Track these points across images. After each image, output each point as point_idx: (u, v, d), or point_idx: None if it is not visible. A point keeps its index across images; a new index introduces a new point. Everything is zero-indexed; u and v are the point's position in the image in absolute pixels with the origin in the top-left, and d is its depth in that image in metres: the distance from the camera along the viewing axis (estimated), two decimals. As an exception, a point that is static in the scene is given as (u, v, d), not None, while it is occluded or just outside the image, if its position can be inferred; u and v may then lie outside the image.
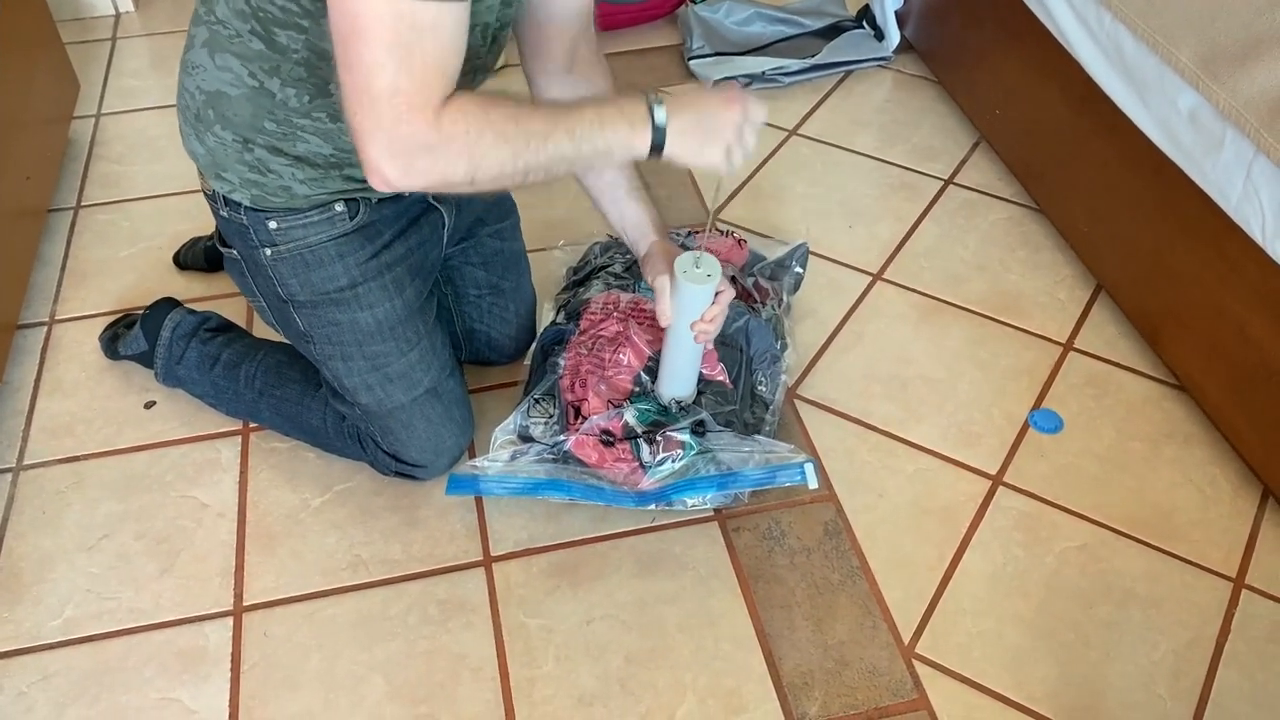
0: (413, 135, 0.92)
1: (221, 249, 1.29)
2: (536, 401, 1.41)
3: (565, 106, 1.05)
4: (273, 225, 1.19)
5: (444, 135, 0.93)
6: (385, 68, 0.88)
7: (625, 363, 1.40)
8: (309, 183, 1.16)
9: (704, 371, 1.41)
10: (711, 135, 1.07)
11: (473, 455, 1.43)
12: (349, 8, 0.87)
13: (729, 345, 1.45)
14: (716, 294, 1.27)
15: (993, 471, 1.45)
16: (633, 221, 1.33)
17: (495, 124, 0.96)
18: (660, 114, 1.03)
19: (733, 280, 1.52)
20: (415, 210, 1.30)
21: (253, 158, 1.14)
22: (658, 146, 1.04)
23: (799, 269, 1.63)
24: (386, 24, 0.87)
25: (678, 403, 1.39)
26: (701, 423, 1.35)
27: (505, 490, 1.38)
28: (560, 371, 1.41)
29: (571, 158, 1.02)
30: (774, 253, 1.64)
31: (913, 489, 1.43)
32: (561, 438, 1.36)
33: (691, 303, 1.26)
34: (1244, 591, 1.32)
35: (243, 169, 1.15)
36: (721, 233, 1.61)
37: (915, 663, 1.25)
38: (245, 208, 1.18)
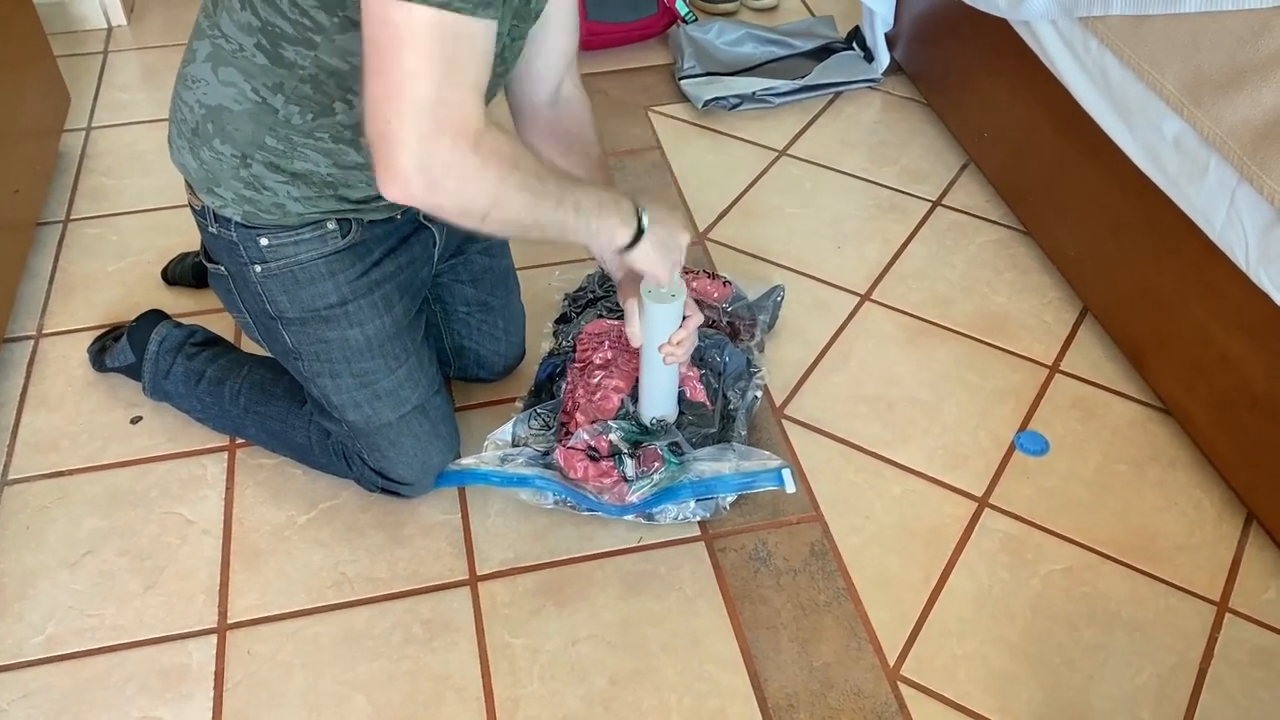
0: (451, 153, 0.91)
1: (208, 264, 1.29)
2: (536, 414, 1.43)
3: (574, 180, 1.13)
4: (264, 242, 1.19)
5: (480, 162, 0.94)
6: (430, 76, 0.88)
7: (611, 386, 1.42)
8: (303, 201, 1.16)
9: (685, 392, 1.43)
10: (668, 254, 1.22)
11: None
12: (389, 15, 0.86)
13: (709, 368, 1.47)
14: (685, 318, 1.31)
15: (979, 493, 1.45)
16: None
17: (524, 170, 1.00)
18: (645, 221, 1.18)
19: (714, 322, 1.57)
20: (406, 229, 1.31)
21: (249, 174, 1.14)
22: (631, 246, 1.17)
23: (775, 311, 1.66)
24: (432, 32, 0.87)
25: (659, 422, 1.40)
26: (678, 443, 1.37)
27: (491, 481, 1.39)
28: (561, 396, 1.44)
29: (569, 229, 1.10)
30: (754, 293, 1.66)
31: (899, 510, 1.43)
32: (550, 445, 1.38)
33: (657, 322, 1.29)
34: (1227, 615, 1.32)
35: (238, 184, 1.15)
36: (710, 275, 1.62)
37: (900, 685, 1.25)
38: (236, 223, 1.18)
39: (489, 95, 1.15)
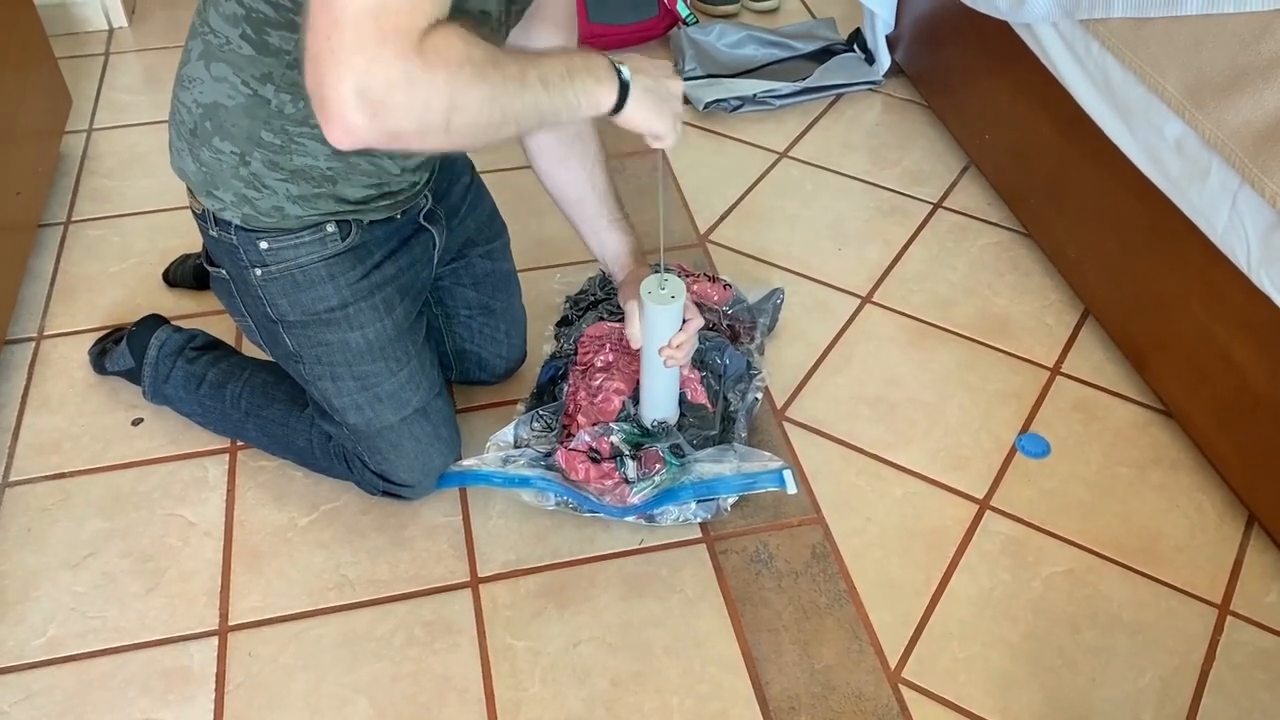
0: (394, 61, 0.80)
1: (209, 268, 1.29)
2: (538, 416, 1.43)
3: (533, 55, 0.99)
4: (264, 245, 1.19)
5: (425, 62, 0.82)
6: None
7: (613, 388, 1.42)
8: (301, 202, 1.16)
9: (686, 394, 1.43)
10: (664, 103, 1.09)
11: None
12: None
13: (709, 370, 1.47)
14: (685, 321, 1.30)
15: (980, 495, 1.45)
16: (612, 250, 1.38)
17: (476, 60, 0.88)
18: (625, 72, 1.04)
19: (714, 325, 1.57)
20: (406, 231, 1.31)
21: (248, 172, 1.14)
22: (619, 107, 1.04)
23: (775, 313, 1.66)
24: None
25: (660, 424, 1.40)
26: (679, 446, 1.37)
27: (492, 482, 1.39)
28: (563, 398, 1.44)
29: (544, 108, 0.97)
30: (754, 296, 1.66)
31: (900, 512, 1.43)
32: (552, 447, 1.38)
33: (657, 324, 1.29)
34: (1229, 618, 1.32)
35: (237, 184, 1.15)
36: (710, 278, 1.62)
37: (901, 687, 1.25)
38: (236, 227, 1.18)
39: (501, 30, 1.13)
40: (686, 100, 2.16)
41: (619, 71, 1.03)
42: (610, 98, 1.03)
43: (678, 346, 1.31)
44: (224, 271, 1.25)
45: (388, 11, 0.79)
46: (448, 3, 0.85)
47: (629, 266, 1.37)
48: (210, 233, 1.21)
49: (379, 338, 1.26)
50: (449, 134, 0.88)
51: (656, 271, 1.30)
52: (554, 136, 1.29)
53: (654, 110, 1.07)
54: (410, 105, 0.83)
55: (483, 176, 1.48)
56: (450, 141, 0.91)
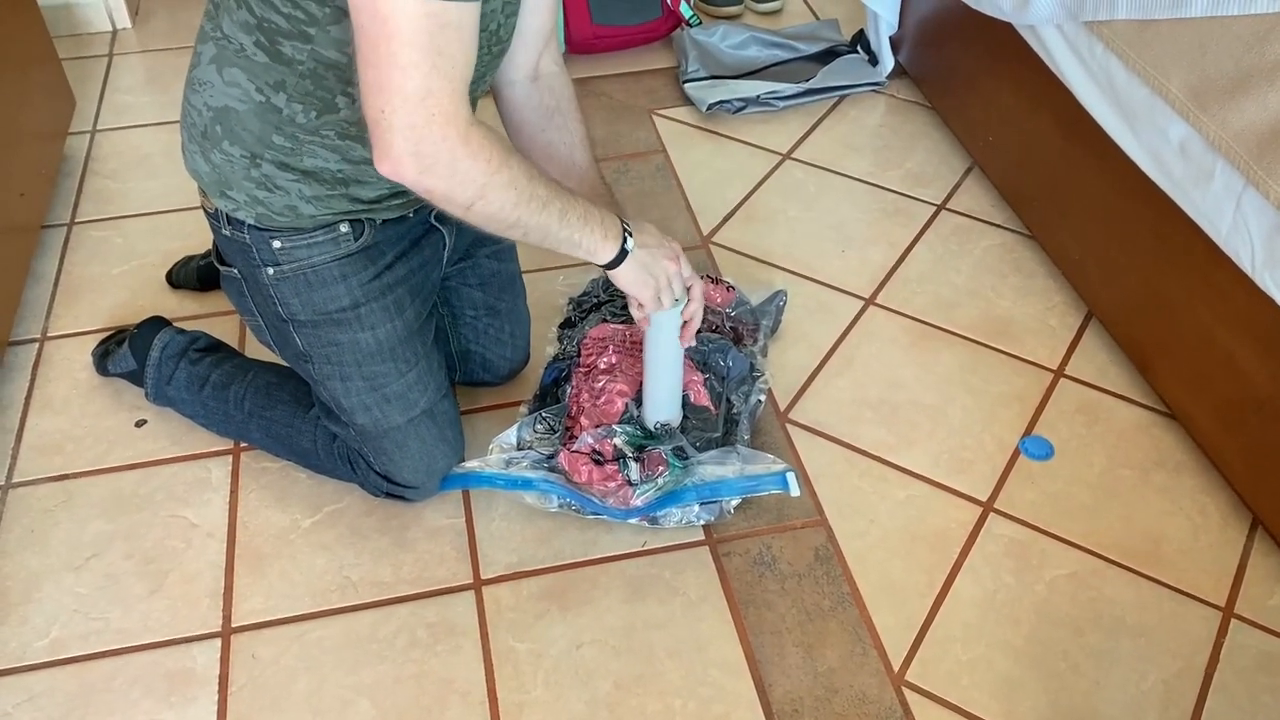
0: (441, 141, 0.95)
1: (220, 267, 1.29)
2: (541, 418, 1.42)
3: (567, 191, 1.13)
4: (277, 245, 1.19)
5: (469, 153, 0.98)
6: (419, 68, 0.91)
7: (615, 390, 1.42)
8: (314, 202, 1.17)
9: (689, 396, 1.43)
10: (652, 278, 1.23)
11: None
12: (379, 8, 0.89)
13: (712, 372, 1.47)
14: (688, 289, 1.30)
15: (983, 498, 1.45)
16: None
17: (513, 167, 1.03)
18: (631, 243, 1.19)
19: (717, 327, 1.57)
20: (417, 231, 1.31)
21: (260, 174, 1.14)
22: (614, 265, 1.19)
23: (777, 315, 1.66)
24: (420, 25, 0.90)
25: (663, 426, 1.40)
26: (682, 448, 1.37)
27: (495, 484, 1.39)
28: (565, 400, 1.44)
29: (552, 234, 1.11)
30: (757, 298, 1.66)
31: (904, 514, 1.43)
32: (555, 449, 1.38)
33: (660, 327, 1.29)
34: (1233, 621, 1.32)
35: (249, 185, 1.15)
36: (713, 280, 1.62)
37: (905, 690, 1.25)
38: (249, 226, 1.18)
39: (487, 76, 1.17)
40: (690, 102, 2.16)
41: (625, 239, 1.18)
42: (609, 256, 1.17)
43: (687, 320, 1.31)
44: (235, 270, 1.26)
45: (433, 95, 0.93)
46: (470, 79, 0.98)
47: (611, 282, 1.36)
48: (223, 232, 1.21)
49: (389, 338, 1.26)
50: (467, 213, 1.04)
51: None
52: (536, 108, 1.30)
53: (641, 281, 1.22)
54: (448, 180, 0.99)
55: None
56: (466, 217, 1.05)
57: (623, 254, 1.18)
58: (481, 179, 1.00)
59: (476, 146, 0.98)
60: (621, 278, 1.21)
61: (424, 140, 0.95)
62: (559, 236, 1.12)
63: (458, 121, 0.96)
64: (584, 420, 1.40)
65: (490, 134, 1.01)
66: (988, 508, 1.44)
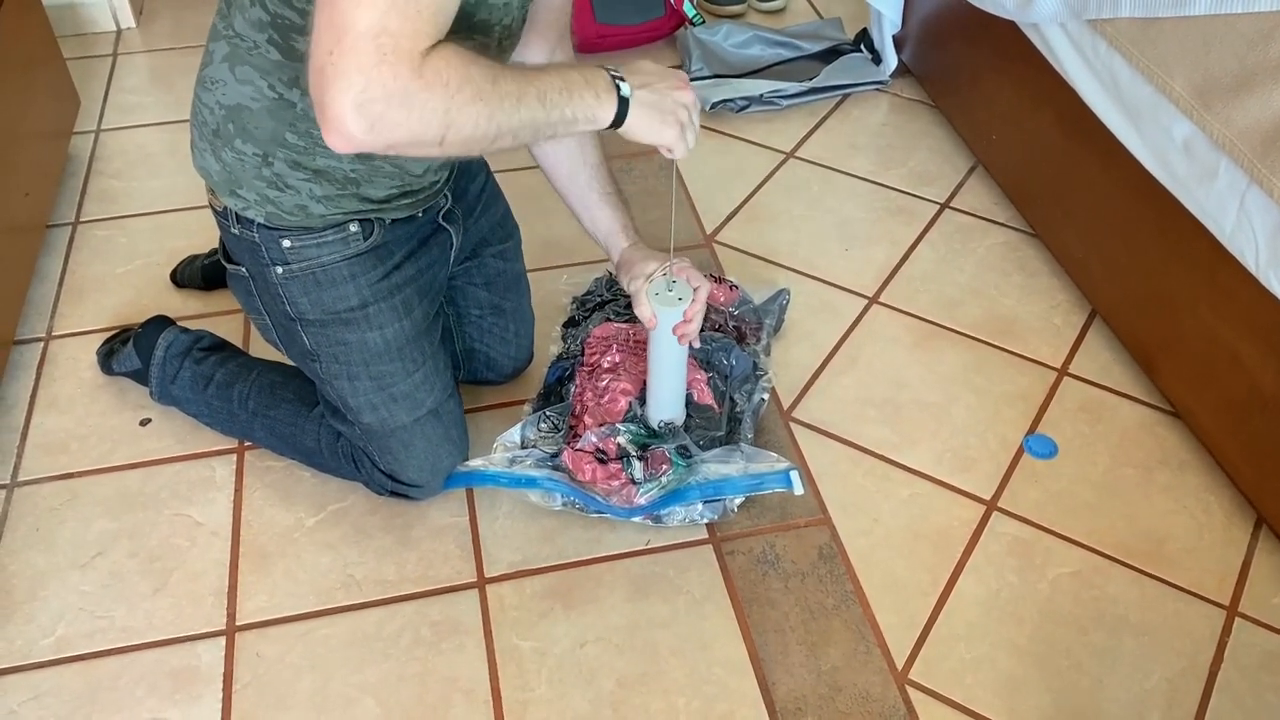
0: (392, 79, 0.84)
1: (228, 265, 1.29)
2: (545, 417, 1.43)
3: (532, 70, 1.01)
4: (286, 244, 1.19)
5: (424, 83, 0.86)
6: (375, 4, 0.82)
7: (619, 389, 1.42)
8: (325, 201, 1.17)
9: (693, 395, 1.44)
10: (668, 114, 1.08)
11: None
12: None
13: (716, 370, 1.47)
14: (694, 290, 1.29)
15: (987, 496, 1.45)
16: (605, 227, 1.37)
17: (475, 80, 0.91)
18: (625, 87, 1.05)
19: (720, 326, 1.57)
20: (426, 231, 1.31)
21: (271, 173, 1.14)
22: (620, 118, 1.05)
23: (780, 314, 1.66)
24: None
25: (667, 424, 1.40)
26: (685, 446, 1.37)
27: (499, 482, 1.39)
28: (569, 399, 1.44)
29: (540, 124, 1.00)
30: (760, 297, 1.66)
31: (907, 513, 1.43)
32: (559, 447, 1.39)
33: (665, 326, 1.29)
34: (1237, 619, 1.32)
35: (260, 184, 1.15)
36: (716, 279, 1.62)
37: (908, 688, 1.25)
38: (258, 225, 1.18)
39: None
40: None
41: (618, 87, 1.04)
42: (609, 113, 1.04)
43: (689, 320, 1.30)
44: (243, 269, 1.26)
45: (388, 33, 0.83)
46: (446, 24, 0.88)
47: (622, 244, 1.35)
48: (232, 230, 1.21)
49: (397, 338, 1.27)
50: (443, 147, 0.92)
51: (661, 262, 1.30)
52: None
53: (657, 122, 1.07)
54: (407, 122, 0.87)
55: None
56: (444, 153, 0.94)
57: (624, 104, 1.05)
58: (442, 108, 0.89)
59: (431, 72, 0.87)
60: (634, 129, 1.07)
61: (371, 86, 0.84)
62: (549, 121, 1.00)
63: (412, 54, 0.85)
64: (588, 419, 1.41)
65: (446, 52, 0.89)
66: (991, 506, 1.44)
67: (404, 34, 0.84)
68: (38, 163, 1.79)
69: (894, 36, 2.18)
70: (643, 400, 1.42)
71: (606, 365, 1.46)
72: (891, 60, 2.19)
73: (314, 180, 1.15)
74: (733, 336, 1.56)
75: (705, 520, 1.39)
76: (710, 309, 1.53)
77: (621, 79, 1.05)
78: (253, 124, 1.12)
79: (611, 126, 1.06)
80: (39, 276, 1.76)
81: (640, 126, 1.07)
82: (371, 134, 0.86)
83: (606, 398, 1.42)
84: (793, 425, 1.54)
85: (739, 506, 1.40)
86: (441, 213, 1.32)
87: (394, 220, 1.24)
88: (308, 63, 0.86)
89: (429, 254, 1.31)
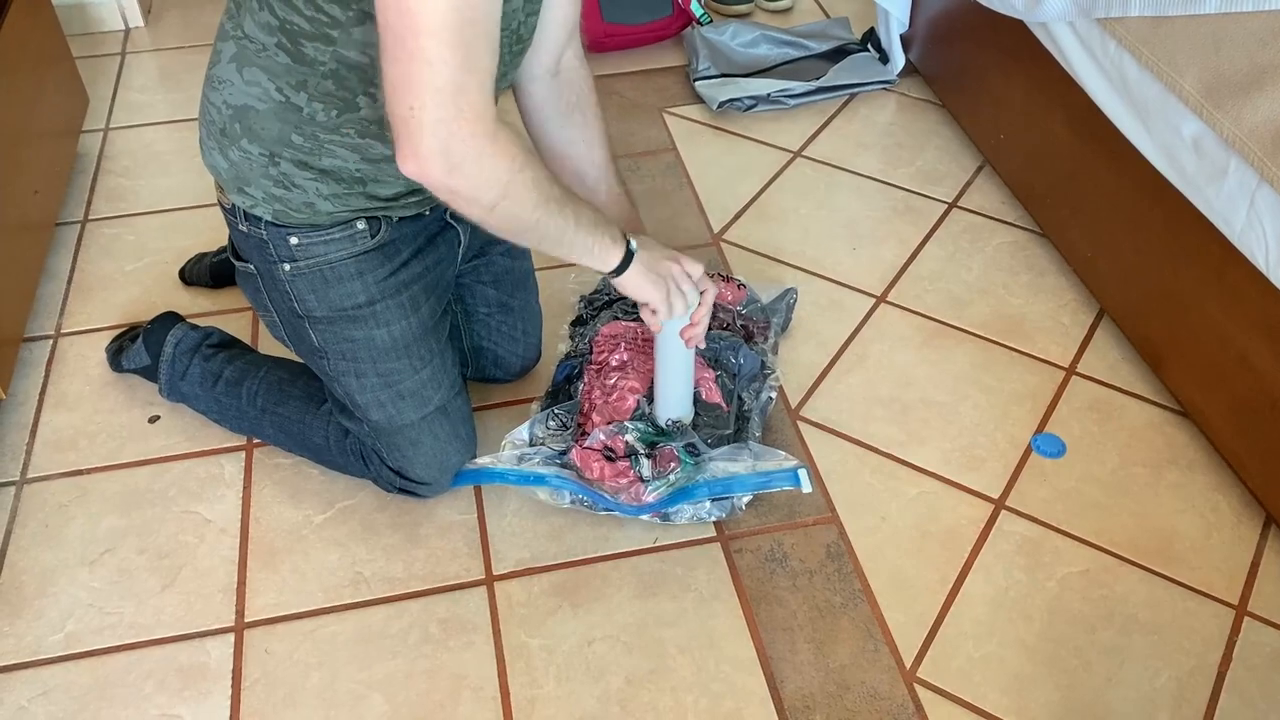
0: (470, 139, 0.95)
1: (236, 262, 1.30)
2: (554, 415, 1.43)
3: (576, 196, 1.14)
4: (294, 241, 1.19)
5: (496, 150, 0.97)
6: (448, 63, 0.91)
7: (627, 387, 1.43)
8: (332, 199, 1.17)
9: (701, 393, 1.44)
10: (661, 278, 1.23)
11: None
12: (403, 3, 0.89)
13: (724, 369, 1.47)
14: (701, 293, 1.30)
15: (995, 495, 1.45)
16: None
17: (535, 168, 1.04)
18: (634, 245, 1.20)
19: (728, 325, 1.57)
20: (433, 228, 1.31)
21: (278, 172, 1.15)
22: (620, 269, 1.19)
23: (788, 313, 1.66)
24: (447, 17, 0.89)
25: (675, 423, 1.40)
26: (693, 444, 1.37)
27: (507, 479, 1.39)
28: (578, 397, 1.44)
29: (566, 238, 1.12)
30: (768, 296, 1.66)
31: (915, 512, 1.43)
32: (567, 445, 1.39)
33: (673, 329, 1.30)
34: (1246, 619, 1.32)
35: (267, 183, 1.16)
36: (724, 278, 1.63)
37: (917, 687, 1.25)
38: (266, 222, 1.19)
39: (508, 74, 1.17)
40: (701, 100, 2.16)
41: (629, 242, 1.19)
42: (616, 258, 1.18)
43: (695, 323, 1.31)
44: (251, 266, 1.26)
45: (465, 91, 0.93)
46: (506, 76, 1.02)
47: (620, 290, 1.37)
48: (239, 227, 1.22)
49: (404, 335, 1.27)
50: (491, 213, 1.03)
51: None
52: (557, 103, 1.30)
53: (648, 283, 1.22)
54: (474, 179, 0.98)
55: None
56: (486, 220, 1.05)
57: (629, 256, 1.19)
58: (506, 177, 1.00)
59: (503, 144, 0.98)
60: (629, 283, 1.21)
61: (453, 137, 0.94)
62: (573, 240, 1.12)
63: (486, 119, 0.95)
64: (596, 417, 1.41)
65: (513, 132, 1.01)
66: (999, 505, 1.44)
67: (476, 91, 0.94)
68: (46, 161, 1.79)
69: (901, 36, 2.18)
70: (651, 398, 1.42)
71: (615, 363, 1.46)
72: (899, 59, 2.19)
73: (321, 179, 1.15)
74: (740, 335, 1.56)
75: (713, 518, 1.39)
76: (718, 307, 1.53)
77: (633, 239, 1.20)
78: (259, 125, 1.12)
79: (613, 274, 1.19)
80: (48, 274, 1.76)
81: (634, 283, 1.21)
82: (446, 176, 0.96)
83: (614, 396, 1.42)
84: (800, 424, 1.54)
85: (747, 505, 1.40)
86: (449, 210, 1.32)
87: (401, 218, 1.25)
88: (387, 112, 0.95)
89: (436, 251, 1.31)
